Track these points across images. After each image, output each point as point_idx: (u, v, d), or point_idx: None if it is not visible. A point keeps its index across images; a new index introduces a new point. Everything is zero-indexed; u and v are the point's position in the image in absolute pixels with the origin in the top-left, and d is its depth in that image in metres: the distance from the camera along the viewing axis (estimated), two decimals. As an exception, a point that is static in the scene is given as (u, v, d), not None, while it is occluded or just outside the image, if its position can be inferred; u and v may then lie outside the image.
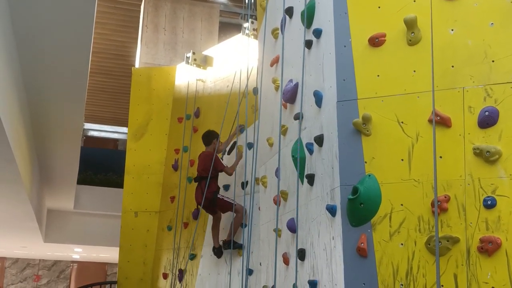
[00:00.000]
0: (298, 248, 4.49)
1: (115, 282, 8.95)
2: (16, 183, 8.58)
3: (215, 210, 6.99)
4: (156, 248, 8.61)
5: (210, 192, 6.79)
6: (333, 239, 3.87)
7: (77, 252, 20.51)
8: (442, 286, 3.35)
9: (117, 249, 8.89)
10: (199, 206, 7.07)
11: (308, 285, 4.23)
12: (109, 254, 18.83)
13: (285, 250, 4.86)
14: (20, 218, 11.64)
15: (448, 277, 3.36)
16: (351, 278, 3.63)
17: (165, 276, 8.26)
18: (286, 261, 4.81)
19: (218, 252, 6.97)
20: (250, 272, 6.26)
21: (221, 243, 6.90)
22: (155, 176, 8.74)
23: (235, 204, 6.67)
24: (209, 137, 7.17)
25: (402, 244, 3.54)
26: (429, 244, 3.45)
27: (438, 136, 3.55)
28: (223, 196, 6.89)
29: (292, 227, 4.64)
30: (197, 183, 7.04)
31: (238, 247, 6.62)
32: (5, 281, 22.78)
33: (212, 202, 6.83)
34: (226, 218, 7.04)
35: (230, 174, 6.95)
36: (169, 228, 8.30)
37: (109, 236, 14.24)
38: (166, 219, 8.46)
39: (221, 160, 7.04)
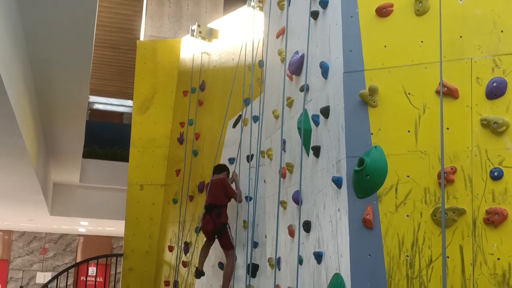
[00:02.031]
0: (303, 220, 4.50)
1: (121, 255, 9.01)
2: (22, 157, 8.60)
3: (216, 239, 6.77)
4: (162, 221, 8.64)
5: (220, 223, 6.58)
6: (338, 210, 3.87)
7: (83, 226, 20.63)
8: (448, 257, 3.36)
9: (123, 222, 8.93)
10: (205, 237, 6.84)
11: (313, 256, 4.24)
12: (115, 227, 18.94)
13: (290, 222, 4.86)
14: (26, 191, 11.69)
15: (454, 249, 3.37)
16: (357, 250, 3.63)
17: (170, 249, 8.31)
18: (291, 233, 4.82)
19: (198, 274, 6.75)
20: (255, 245, 6.29)
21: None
22: (160, 149, 8.74)
23: (233, 248, 6.58)
24: (221, 169, 6.96)
25: (408, 215, 3.54)
26: (435, 216, 3.45)
27: (445, 107, 3.52)
28: (230, 231, 6.66)
29: (298, 199, 4.64)
30: (205, 211, 6.76)
31: None
32: (12, 253, 22.96)
33: (220, 232, 6.62)
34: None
35: (240, 201, 6.75)
36: (175, 201, 8.33)
37: (114, 209, 14.29)
38: (172, 192, 8.49)
39: (234, 189, 6.80)
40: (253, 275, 6.28)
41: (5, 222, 20.63)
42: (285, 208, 5.00)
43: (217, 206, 6.61)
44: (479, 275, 3.27)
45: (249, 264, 6.11)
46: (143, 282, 8.57)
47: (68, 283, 11.55)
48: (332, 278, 3.84)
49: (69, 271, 11.68)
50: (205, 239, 6.90)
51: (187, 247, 7.75)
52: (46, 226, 20.80)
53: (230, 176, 6.91)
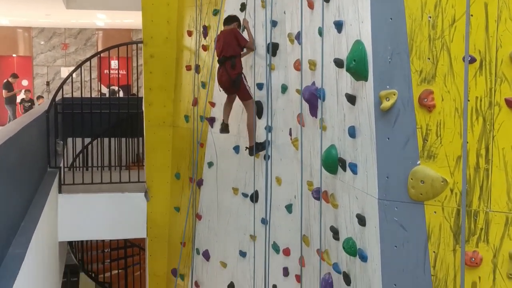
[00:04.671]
0: (323, -10, 4.38)
1: (141, 42, 9.03)
2: None
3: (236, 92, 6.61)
4: (179, 5, 8.51)
5: (235, 74, 6.37)
6: (359, -25, 3.73)
7: (101, 19, 20.58)
8: (472, 15, 3.27)
9: (140, 12, 8.81)
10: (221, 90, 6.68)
11: (333, 26, 4.19)
12: (133, 19, 18.85)
13: (309, -6, 4.74)
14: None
15: (479, 6, 3.25)
16: (378, 14, 3.55)
17: (189, 33, 8.28)
18: (310, 5, 4.72)
19: (224, 129, 6.75)
20: (274, 23, 6.20)
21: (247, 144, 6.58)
22: None
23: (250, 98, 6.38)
24: (231, 19, 6.61)
25: (432, -24, 3.39)
26: (461, -27, 3.30)
27: None
28: (246, 80, 6.47)
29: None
30: (219, 64, 6.55)
31: (262, 148, 6.36)
32: (34, 50, 23.27)
33: (236, 84, 6.41)
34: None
35: (253, 49, 6.51)
36: (190, -16, 8.13)
37: (131, -1, 14.09)
38: (186, -26, 8.26)
39: (244, 37, 6.51)
40: (274, 53, 6.29)
41: (23, 19, 20.63)
42: (304, -20, 4.85)
43: (230, 57, 6.43)
44: (503, 31, 3.20)
45: (269, 44, 6.09)
46: (165, 68, 8.68)
47: (92, 77, 11.73)
48: (353, 45, 3.81)
49: (92, 65, 11.83)
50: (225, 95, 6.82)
51: (206, 30, 7.70)
52: (64, 21, 20.80)
53: (242, 25, 6.63)
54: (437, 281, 3.45)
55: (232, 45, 6.46)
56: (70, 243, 12.57)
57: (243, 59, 6.60)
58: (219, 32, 6.87)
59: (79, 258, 12.86)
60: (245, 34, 6.57)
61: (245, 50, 6.63)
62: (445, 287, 3.43)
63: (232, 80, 6.42)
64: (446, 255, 3.42)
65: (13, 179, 5.52)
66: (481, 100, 3.28)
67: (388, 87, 3.51)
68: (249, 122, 6.45)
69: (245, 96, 6.49)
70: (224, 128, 6.80)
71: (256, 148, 6.38)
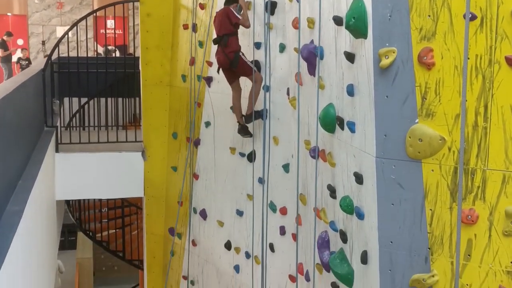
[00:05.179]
0: None
1: (137, 0, 8.90)
2: None
3: (236, 73, 6.49)
4: (176, -37, 8.40)
5: (231, 52, 6.26)
6: None
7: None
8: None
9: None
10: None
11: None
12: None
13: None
14: None
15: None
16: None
17: (186, -9, 8.18)
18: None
19: (242, 129, 6.61)
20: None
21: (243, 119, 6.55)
22: None
23: (254, 71, 6.22)
24: (232, 0, 6.47)
25: None
26: None
27: None
28: (245, 57, 6.35)
29: None
30: (217, 44, 6.46)
31: (260, 116, 6.30)
32: (29, 9, 22.99)
33: (234, 62, 6.31)
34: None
35: (247, 27, 6.35)
36: None
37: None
38: None
39: (236, 14, 6.33)
40: (272, 12, 6.22)
41: (17, -23, 20.32)
42: None
43: (223, 36, 6.35)
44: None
45: (267, 2, 6.02)
46: (162, 27, 8.58)
47: (88, 37, 11.59)
48: (352, 2, 3.76)
49: (88, 25, 11.68)
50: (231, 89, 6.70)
51: (202, -11, 7.60)
52: (59, -21, 20.49)
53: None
54: (433, 238, 3.48)
55: (225, 24, 6.39)
56: (67, 202, 12.62)
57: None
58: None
59: (77, 217, 12.92)
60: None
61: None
62: (441, 244, 3.47)
63: (230, 59, 6.35)
64: (442, 212, 3.45)
65: (10, 138, 5.50)
66: (481, 58, 3.26)
67: (387, 44, 3.48)
68: (251, 91, 6.41)
69: (247, 72, 6.40)
70: (243, 128, 6.63)
71: (254, 116, 6.37)
